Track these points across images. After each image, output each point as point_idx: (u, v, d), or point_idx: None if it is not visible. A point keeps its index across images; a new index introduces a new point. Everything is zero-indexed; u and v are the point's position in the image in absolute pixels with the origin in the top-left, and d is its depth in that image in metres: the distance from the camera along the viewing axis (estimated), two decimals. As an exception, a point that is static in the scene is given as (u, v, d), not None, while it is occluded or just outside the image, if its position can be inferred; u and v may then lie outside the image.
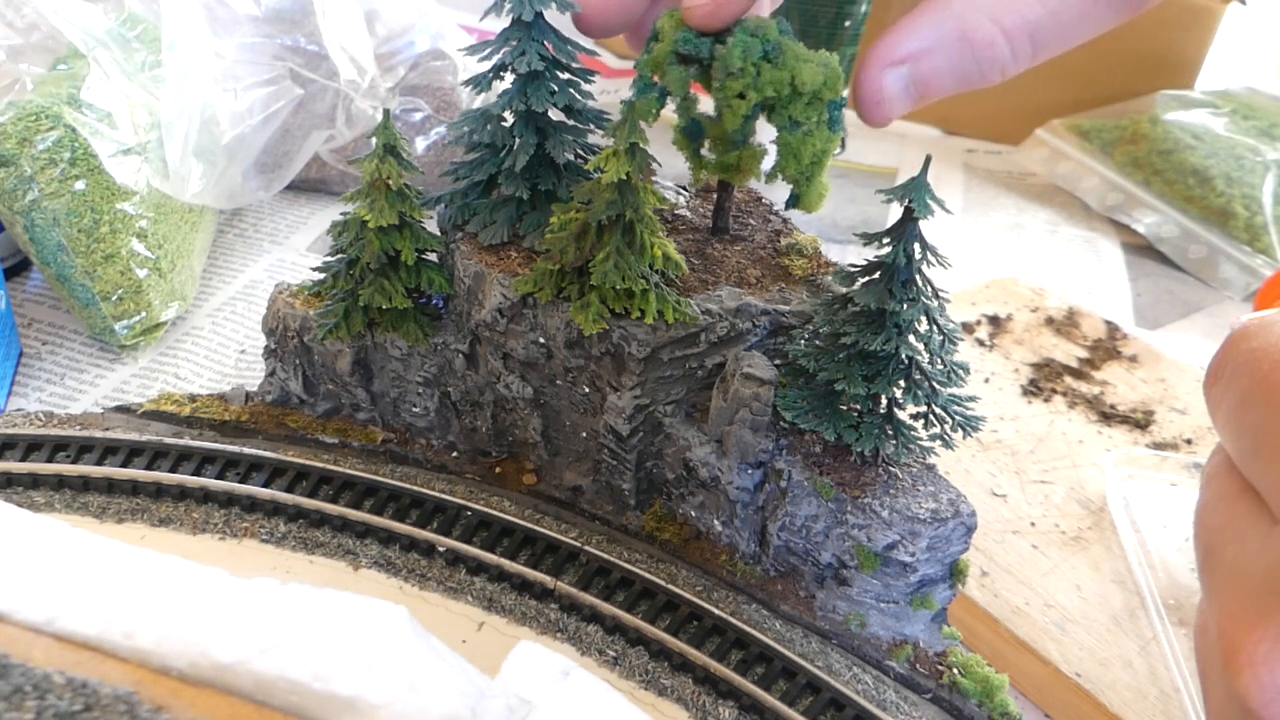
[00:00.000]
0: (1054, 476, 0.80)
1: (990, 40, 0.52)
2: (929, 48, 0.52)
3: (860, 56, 0.55)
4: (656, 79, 0.58)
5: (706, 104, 0.60)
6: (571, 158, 0.66)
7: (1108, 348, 0.97)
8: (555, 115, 0.65)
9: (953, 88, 0.54)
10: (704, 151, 0.61)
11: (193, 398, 0.77)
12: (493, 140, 0.65)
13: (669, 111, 0.60)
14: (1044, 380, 0.91)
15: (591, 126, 0.65)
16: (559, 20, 0.61)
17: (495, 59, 0.63)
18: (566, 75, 0.64)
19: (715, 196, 0.68)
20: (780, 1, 0.65)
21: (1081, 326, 0.99)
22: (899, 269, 0.56)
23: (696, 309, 0.61)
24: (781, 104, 0.56)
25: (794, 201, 0.60)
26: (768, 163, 0.60)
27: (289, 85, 0.96)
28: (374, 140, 0.64)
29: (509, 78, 0.63)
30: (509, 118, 0.65)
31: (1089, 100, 1.37)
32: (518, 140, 0.64)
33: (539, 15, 0.60)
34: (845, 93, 0.57)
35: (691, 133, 0.60)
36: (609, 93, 1.39)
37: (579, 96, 0.64)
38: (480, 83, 0.64)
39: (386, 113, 0.64)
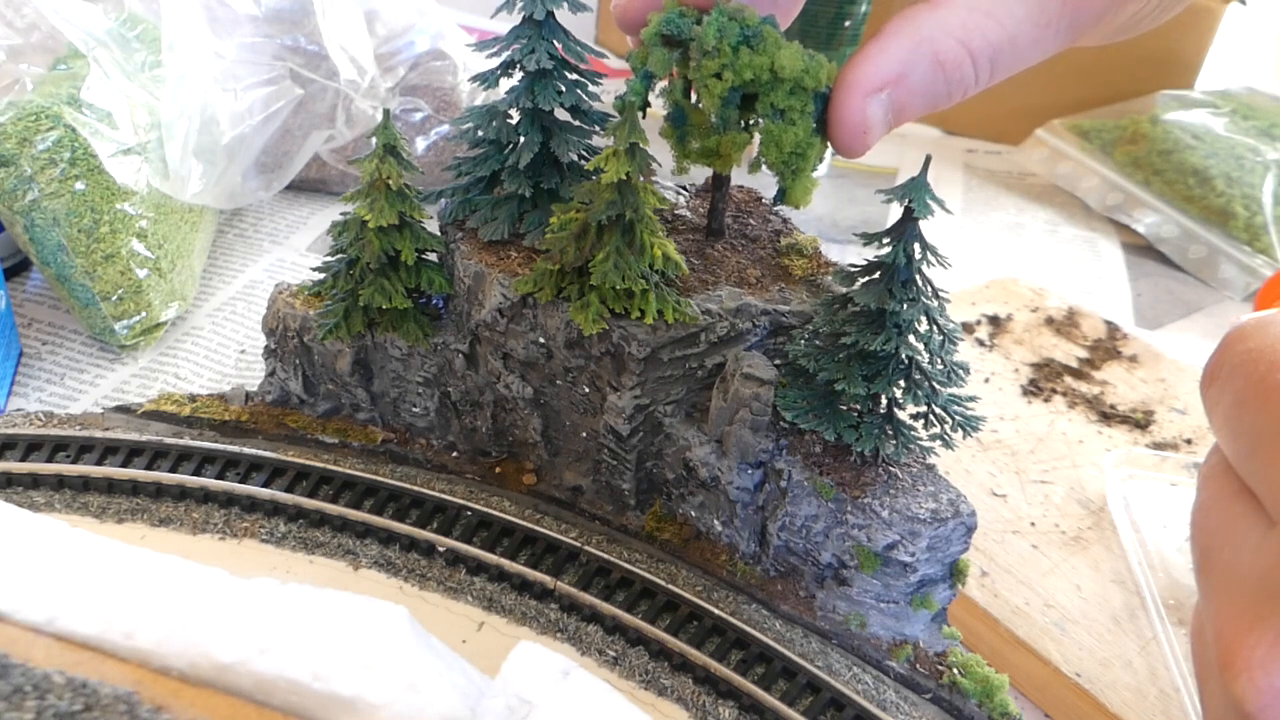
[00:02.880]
0: (1054, 476, 0.80)
1: (959, 61, 0.53)
2: (905, 72, 0.53)
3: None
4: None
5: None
6: (575, 158, 0.66)
7: (1108, 348, 0.97)
8: (561, 115, 0.65)
9: (922, 110, 0.55)
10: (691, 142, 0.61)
11: (193, 398, 0.77)
12: (498, 136, 0.65)
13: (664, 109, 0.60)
14: (1044, 380, 0.91)
15: (596, 128, 0.65)
16: (569, 20, 0.61)
17: (504, 56, 0.63)
18: (574, 75, 0.64)
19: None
20: (802, 3, 0.65)
21: (1081, 326, 0.99)
22: (899, 269, 0.56)
23: (696, 309, 0.61)
24: (763, 91, 0.56)
25: (781, 196, 0.60)
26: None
27: (289, 85, 0.96)
28: (374, 140, 0.64)
29: (516, 75, 0.63)
30: (515, 115, 0.65)
31: (1089, 100, 1.37)
32: (523, 138, 0.64)
33: (550, 14, 0.60)
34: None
35: (676, 119, 0.60)
36: (610, 93, 1.39)
37: (585, 97, 0.64)
38: (487, 79, 0.64)
39: (386, 113, 0.64)
